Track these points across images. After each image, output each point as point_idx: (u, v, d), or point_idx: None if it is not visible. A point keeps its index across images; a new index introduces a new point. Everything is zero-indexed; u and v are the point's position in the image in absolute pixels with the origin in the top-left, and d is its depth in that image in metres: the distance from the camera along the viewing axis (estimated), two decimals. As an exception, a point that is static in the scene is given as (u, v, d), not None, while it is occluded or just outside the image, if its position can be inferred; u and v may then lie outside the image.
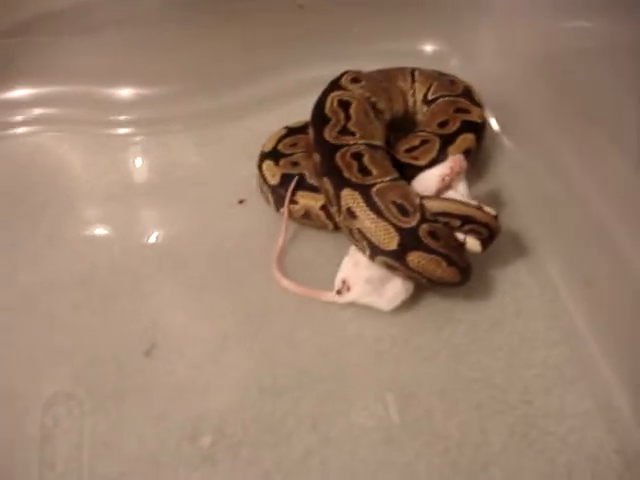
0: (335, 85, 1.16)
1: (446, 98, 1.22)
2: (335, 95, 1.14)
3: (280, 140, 1.20)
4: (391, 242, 0.96)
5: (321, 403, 0.98)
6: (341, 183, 1.01)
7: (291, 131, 1.21)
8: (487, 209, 1.02)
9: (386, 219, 0.96)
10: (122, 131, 1.36)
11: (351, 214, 0.99)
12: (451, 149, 1.14)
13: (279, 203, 1.15)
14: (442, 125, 1.18)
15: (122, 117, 1.36)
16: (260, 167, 1.17)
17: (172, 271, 1.14)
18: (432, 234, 0.97)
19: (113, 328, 1.07)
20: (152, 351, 1.04)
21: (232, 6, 1.34)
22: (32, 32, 1.30)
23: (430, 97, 1.24)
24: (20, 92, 1.36)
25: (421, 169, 1.08)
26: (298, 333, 1.06)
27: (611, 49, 1.11)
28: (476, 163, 1.21)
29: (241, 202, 1.21)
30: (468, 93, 1.24)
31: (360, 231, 0.99)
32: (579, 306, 1.07)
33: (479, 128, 1.19)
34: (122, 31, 1.33)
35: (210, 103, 1.37)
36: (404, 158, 1.13)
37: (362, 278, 1.03)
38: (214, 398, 0.99)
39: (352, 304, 1.05)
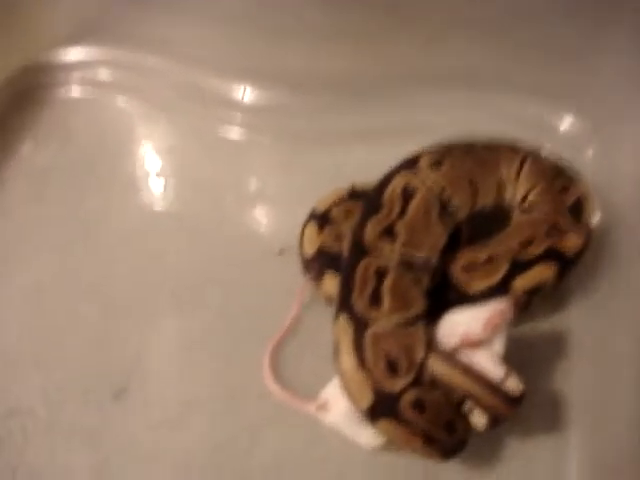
0: (409, 164, 0.98)
1: (545, 208, 0.99)
2: (403, 178, 0.96)
3: (338, 203, 1.04)
4: (362, 400, 0.82)
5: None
6: (342, 305, 0.87)
7: (355, 194, 1.05)
8: (510, 383, 0.83)
9: (367, 372, 0.82)
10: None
11: (336, 348, 0.85)
12: (518, 281, 0.94)
13: (308, 275, 1.02)
14: (524, 245, 0.96)
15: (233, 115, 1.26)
16: (303, 228, 1.04)
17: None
18: (417, 404, 0.82)
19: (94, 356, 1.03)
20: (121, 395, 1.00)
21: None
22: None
23: (529, 199, 1.01)
24: (128, 57, 1.28)
25: (469, 298, 0.91)
26: (264, 431, 0.97)
27: None
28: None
29: (281, 253, 1.09)
30: (578, 207, 0.99)
31: (338, 372, 0.85)
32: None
33: (567, 262, 0.96)
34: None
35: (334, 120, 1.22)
36: (457, 275, 0.95)
37: (343, 405, 0.90)
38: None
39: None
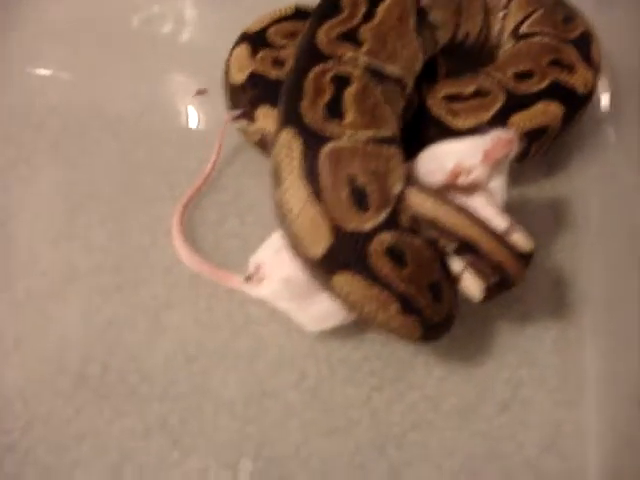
0: None
1: (546, 39, 0.77)
2: (370, -22, 0.71)
3: (276, 22, 0.79)
4: (316, 244, 0.57)
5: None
6: (287, 116, 0.61)
7: (299, 13, 0.79)
8: (516, 237, 0.60)
9: (322, 204, 0.57)
10: None
11: (276, 174, 0.60)
12: (516, 118, 0.71)
13: (234, 111, 0.76)
14: (521, 77, 0.74)
15: None
16: (231, 51, 0.77)
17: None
18: (394, 252, 0.57)
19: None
20: None
21: None
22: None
23: (523, 30, 0.79)
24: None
25: (456, 134, 0.67)
26: (171, 311, 0.70)
27: None
28: (551, 150, 0.78)
29: (200, 93, 0.83)
30: (585, 42, 0.77)
31: (279, 207, 0.60)
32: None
33: (577, 101, 0.74)
34: None
35: None
36: (437, 107, 0.71)
37: (279, 273, 0.65)
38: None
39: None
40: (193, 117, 0.82)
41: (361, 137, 0.59)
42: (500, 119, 0.71)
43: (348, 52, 0.64)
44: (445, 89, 0.73)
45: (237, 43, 0.77)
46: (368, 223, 0.57)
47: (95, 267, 0.72)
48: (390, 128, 0.63)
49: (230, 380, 0.68)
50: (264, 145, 0.74)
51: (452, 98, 0.72)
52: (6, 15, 0.89)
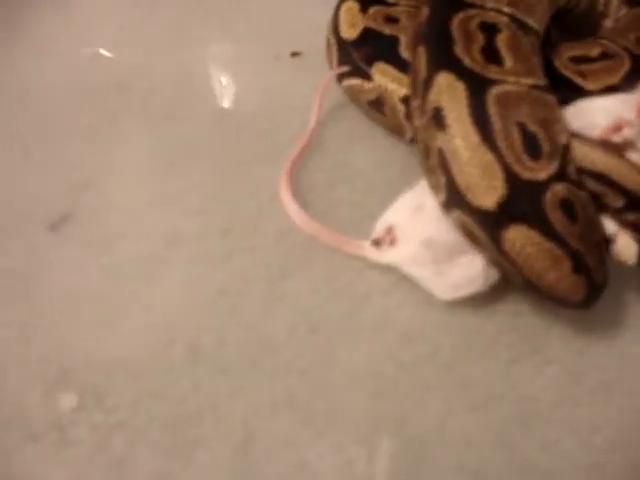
0: None
1: (665, 3, 0.75)
2: None
3: (389, -25, 0.75)
4: (488, 194, 0.52)
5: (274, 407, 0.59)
6: (442, 60, 0.57)
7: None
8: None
9: (495, 150, 0.52)
10: None
11: (438, 119, 0.55)
12: (647, 81, 0.68)
13: (345, 71, 0.71)
14: (646, 40, 0.71)
15: None
16: (338, 7, 0.73)
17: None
18: (567, 206, 0.53)
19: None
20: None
21: None
22: None
23: (637, -3, 0.77)
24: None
25: (586, 95, 0.63)
26: (288, 279, 0.65)
27: None
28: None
29: (294, 55, 0.78)
30: None
31: (442, 154, 0.55)
32: None
33: None
34: None
35: None
36: (566, 70, 0.68)
37: (419, 235, 0.60)
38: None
39: (392, 269, 0.63)
40: (290, 79, 0.77)
41: (525, 83, 0.56)
42: (629, 82, 0.68)
43: (490, 1, 0.61)
44: (571, 51, 0.70)
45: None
46: (542, 172, 0.53)
47: (199, 232, 0.66)
48: (545, 78, 0.59)
49: (358, 353, 0.62)
50: (379, 105, 0.70)
51: (579, 60, 0.69)
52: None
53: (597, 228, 0.56)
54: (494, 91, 0.54)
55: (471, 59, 0.56)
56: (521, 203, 0.53)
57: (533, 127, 0.54)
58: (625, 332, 0.65)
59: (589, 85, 0.67)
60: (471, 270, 0.60)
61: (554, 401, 0.62)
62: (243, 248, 0.66)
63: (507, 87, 0.55)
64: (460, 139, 0.53)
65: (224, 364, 0.60)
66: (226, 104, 0.75)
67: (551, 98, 0.57)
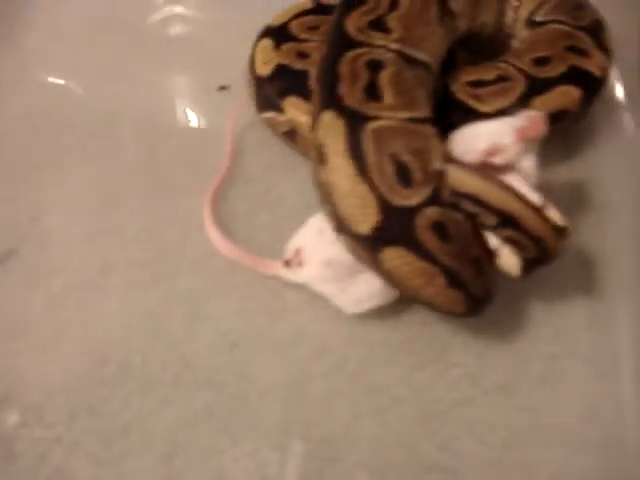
0: None
1: (560, 26, 0.80)
2: (393, -32, 0.73)
3: (298, 16, 0.80)
4: (364, 221, 0.58)
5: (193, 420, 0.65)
6: (327, 100, 0.63)
7: (321, 8, 0.81)
8: (552, 214, 0.62)
9: (369, 181, 0.58)
10: None
11: (321, 155, 0.61)
12: (538, 102, 0.73)
13: (261, 104, 0.78)
14: (540, 62, 0.76)
15: None
16: (255, 45, 0.79)
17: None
18: (439, 227, 0.59)
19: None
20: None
21: None
22: None
23: (538, 18, 0.82)
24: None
25: (481, 117, 0.68)
26: (209, 301, 0.71)
27: None
28: (569, 138, 0.81)
29: (222, 89, 0.84)
30: (596, 29, 0.80)
31: (326, 187, 0.61)
32: None
33: (593, 84, 0.77)
34: None
35: None
36: (461, 94, 0.73)
37: (322, 256, 0.66)
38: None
39: (306, 287, 0.69)
40: (217, 112, 0.82)
41: (401, 117, 0.61)
42: (522, 103, 0.73)
43: (379, 39, 0.66)
44: (468, 75, 0.75)
45: (260, 37, 0.79)
46: (414, 198, 0.58)
47: (131, 260, 0.73)
48: (425, 110, 0.64)
49: (273, 366, 0.68)
50: (292, 136, 0.76)
51: (475, 84, 0.74)
52: (22, 19, 0.90)
53: (474, 245, 0.61)
54: (370, 127, 0.59)
55: (352, 97, 0.61)
56: (393, 227, 0.58)
57: (406, 157, 0.59)
58: (522, 335, 0.71)
59: (483, 108, 0.72)
60: (370, 286, 0.66)
61: (453, 402, 0.67)
62: (169, 274, 0.72)
63: (383, 122, 0.60)
64: (338, 173, 0.59)
65: (150, 381, 0.67)
66: (158, 137, 0.81)
67: (427, 129, 0.62)
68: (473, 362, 0.69)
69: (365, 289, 0.66)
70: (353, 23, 0.67)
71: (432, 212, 0.59)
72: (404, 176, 0.59)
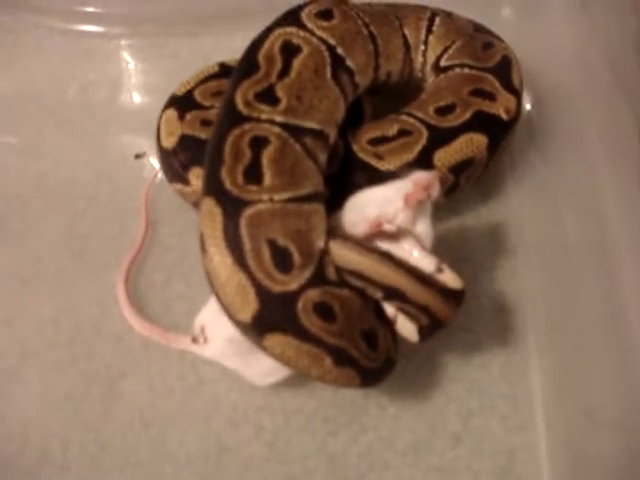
0: (291, 17, 0.74)
1: (465, 70, 0.79)
2: (282, 33, 0.72)
3: (202, 82, 0.80)
4: (244, 309, 0.59)
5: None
6: (208, 185, 0.63)
7: (224, 71, 0.81)
8: (447, 277, 0.61)
9: (246, 270, 0.58)
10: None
11: (201, 244, 0.61)
12: (441, 154, 0.73)
13: (169, 176, 0.78)
14: (443, 111, 0.75)
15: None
16: (160, 116, 0.79)
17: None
18: (322, 308, 0.59)
19: None
20: None
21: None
22: None
23: (443, 63, 0.81)
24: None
25: (384, 177, 0.68)
26: (125, 378, 0.72)
27: None
28: (484, 181, 0.80)
29: (139, 156, 0.85)
30: (504, 68, 0.79)
31: (207, 274, 0.61)
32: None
33: (500, 128, 0.76)
34: None
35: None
36: (362, 152, 0.73)
37: (223, 335, 0.66)
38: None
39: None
40: (136, 181, 0.83)
41: (280, 199, 0.61)
42: (425, 157, 0.72)
43: (264, 112, 0.66)
44: (369, 133, 0.74)
45: (165, 107, 0.79)
46: (293, 283, 0.59)
47: (48, 342, 0.73)
48: (312, 184, 0.64)
49: (188, 440, 0.69)
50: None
51: (377, 141, 0.74)
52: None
53: (363, 319, 0.61)
54: (247, 212, 0.59)
55: (232, 182, 0.61)
56: (273, 314, 0.58)
57: (284, 242, 0.59)
58: (437, 393, 0.71)
59: (385, 165, 0.72)
60: (274, 360, 0.66)
61: (366, 467, 0.68)
62: (87, 353, 0.73)
63: (261, 206, 0.60)
64: (216, 262, 0.59)
65: (68, 465, 0.68)
66: (73, 213, 0.81)
67: (309, 207, 0.62)
68: (388, 424, 0.69)
69: (269, 363, 0.65)
70: (242, 95, 0.67)
71: (314, 294, 0.59)
72: (282, 261, 0.59)
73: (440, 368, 0.72)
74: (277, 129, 0.65)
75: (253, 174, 0.62)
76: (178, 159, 0.75)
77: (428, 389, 0.71)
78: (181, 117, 0.77)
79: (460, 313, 0.63)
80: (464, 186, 0.76)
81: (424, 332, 0.63)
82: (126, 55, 0.96)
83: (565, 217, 0.80)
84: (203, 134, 0.75)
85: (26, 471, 0.68)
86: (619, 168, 0.81)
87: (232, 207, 0.60)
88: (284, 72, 0.69)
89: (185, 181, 0.75)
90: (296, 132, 0.66)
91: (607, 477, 0.68)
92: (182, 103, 0.78)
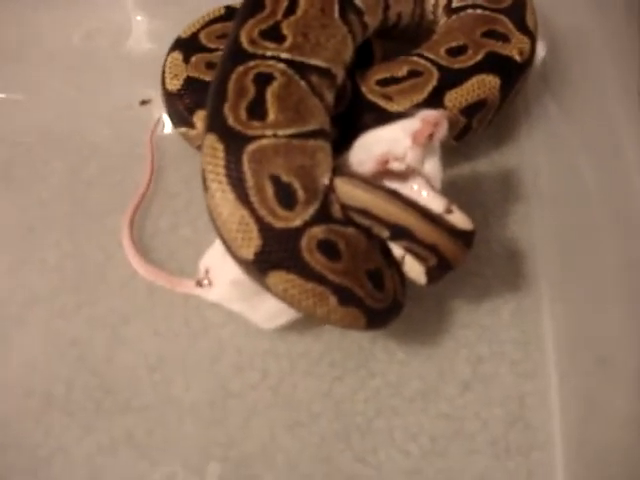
0: None
1: (478, 10, 0.76)
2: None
3: (208, 25, 0.79)
4: (246, 246, 0.57)
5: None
6: (210, 121, 0.61)
7: (229, 13, 0.79)
8: (456, 218, 0.60)
9: (249, 206, 0.57)
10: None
11: (204, 181, 0.60)
12: (452, 95, 0.71)
13: (174, 120, 0.77)
14: (455, 52, 0.73)
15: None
16: (165, 59, 0.77)
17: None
18: (326, 246, 0.57)
19: None
20: None
21: None
22: None
23: (455, 4, 0.78)
24: None
25: (392, 118, 0.66)
26: (130, 323, 0.71)
27: None
28: (499, 126, 0.78)
29: (144, 103, 0.84)
30: (517, 9, 0.77)
31: (210, 212, 0.60)
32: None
33: (513, 70, 0.74)
34: None
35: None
36: (371, 93, 0.71)
37: (228, 277, 0.65)
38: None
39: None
40: (141, 128, 0.81)
41: (284, 134, 0.59)
42: (436, 98, 0.70)
43: (270, 49, 0.64)
44: (378, 74, 0.72)
45: (171, 50, 0.77)
46: (297, 219, 0.57)
47: (53, 288, 0.73)
48: (317, 121, 0.63)
49: (193, 386, 0.68)
50: (206, 148, 0.74)
51: (386, 82, 0.72)
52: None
53: (369, 258, 0.60)
54: (250, 148, 0.58)
55: (235, 118, 0.59)
56: (276, 251, 0.57)
57: (287, 178, 0.58)
58: (446, 339, 0.70)
59: (394, 107, 0.70)
60: (276, 303, 0.65)
61: (373, 413, 0.67)
62: (92, 298, 0.72)
63: (264, 142, 0.58)
64: (218, 198, 0.58)
65: (72, 409, 0.67)
66: (78, 160, 0.80)
67: (314, 143, 0.60)
68: (395, 370, 0.68)
69: (275, 305, 0.64)
70: (247, 33, 0.65)
71: (318, 231, 0.57)
72: (286, 197, 0.57)
73: (449, 313, 0.70)
74: (282, 65, 0.63)
75: (257, 110, 0.60)
76: (183, 102, 0.74)
77: (437, 334, 0.70)
78: (186, 60, 0.75)
79: (470, 257, 0.61)
80: (476, 129, 0.74)
81: (432, 274, 0.61)
82: (131, 1, 0.94)
83: (581, 165, 0.78)
84: (208, 77, 0.73)
85: (31, 415, 0.68)
86: (639, 114, 0.78)
87: (235, 143, 0.59)
88: (290, 10, 0.67)
89: (190, 124, 0.74)
90: (302, 69, 0.64)
91: (619, 426, 0.66)
92: (187, 46, 0.77)
